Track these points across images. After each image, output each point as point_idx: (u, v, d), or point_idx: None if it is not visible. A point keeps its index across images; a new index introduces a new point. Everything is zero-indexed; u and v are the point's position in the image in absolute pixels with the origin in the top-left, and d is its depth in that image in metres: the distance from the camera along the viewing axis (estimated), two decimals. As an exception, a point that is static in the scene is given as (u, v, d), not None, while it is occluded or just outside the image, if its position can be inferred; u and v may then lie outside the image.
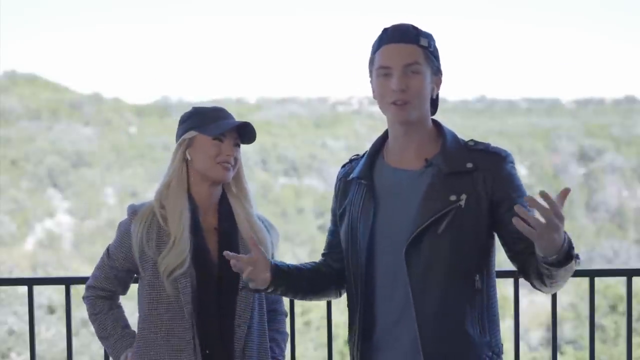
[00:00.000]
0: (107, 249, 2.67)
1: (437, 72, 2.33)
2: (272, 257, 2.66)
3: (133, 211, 2.60)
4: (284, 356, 2.75)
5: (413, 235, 2.24)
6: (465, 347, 2.26)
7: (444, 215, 2.23)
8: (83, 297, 2.72)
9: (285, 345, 2.77)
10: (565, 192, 2.01)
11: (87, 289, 2.71)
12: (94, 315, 2.68)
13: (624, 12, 71.52)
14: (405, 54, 2.27)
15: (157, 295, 2.53)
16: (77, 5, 70.90)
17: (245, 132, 2.61)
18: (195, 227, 2.55)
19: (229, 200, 2.64)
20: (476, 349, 2.26)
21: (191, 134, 2.58)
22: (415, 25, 2.33)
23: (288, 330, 2.86)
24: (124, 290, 2.72)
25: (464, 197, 2.24)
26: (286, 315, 2.83)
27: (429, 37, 2.32)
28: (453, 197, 2.24)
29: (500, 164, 2.29)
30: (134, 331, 2.65)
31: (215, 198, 2.63)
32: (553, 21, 77.85)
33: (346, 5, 75.15)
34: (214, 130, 2.55)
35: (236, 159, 2.60)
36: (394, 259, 2.28)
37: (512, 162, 2.32)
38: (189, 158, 2.59)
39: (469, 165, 2.27)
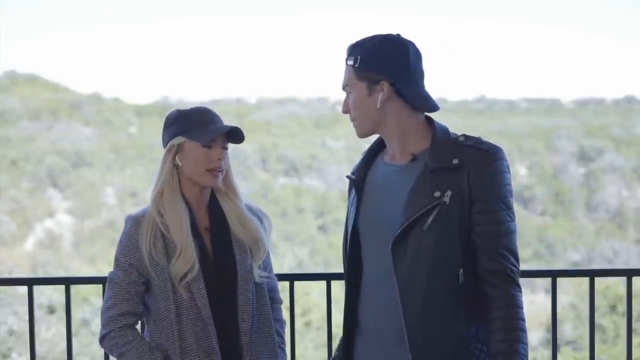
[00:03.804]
0: (115, 272, 2.56)
1: (376, 81, 2.34)
2: (268, 247, 2.69)
3: (136, 222, 2.56)
4: (285, 344, 2.77)
5: (399, 231, 2.27)
6: (453, 340, 2.28)
7: (429, 211, 2.26)
8: (103, 336, 2.54)
9: (284, 332, 2.79)
10: None
11: (108, 323, 2.53)
12: (127, 345, 2.50)
13: (624, 12, 71.52)
14: (344, 76, 2.41)
15: (176, 301, 2.51)
16: (78, 6, 70.89)
17: (234, 134, 2.60)
18: (193, 228, 2.56)
19: (217, 200, 2.64)
20: (464, 342, 2.29)
21: (179, 139, 2.55)
22: (355, 41, 2.39)
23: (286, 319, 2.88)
24: (143, 312, 2.59)
25: (449, 193, 2.26)
26: (281, 303, 2.83)
27: (356, 51, 2.36)
28: (437, 194, 2.26)
29: (486, 160, 2.28)
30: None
31: (206, 198, 2.64)
32: (553, 21, 77.86)
33: (346, 5, 75.16)
34: (204, 137, 2.53)
35: (225, 164, 2.59)
36: (379, 252, 2.33)
37: (502, 159, 2.31)
38: (179, 164, 2.57)
39: (455, 161, 2.28)
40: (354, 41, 2.39)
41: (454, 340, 2.28)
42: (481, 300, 2.29)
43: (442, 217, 2.25)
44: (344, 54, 2.40)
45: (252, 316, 2.58)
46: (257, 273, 2.64)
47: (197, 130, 2.54)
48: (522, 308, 2.29)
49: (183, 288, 2.50)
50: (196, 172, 2.55)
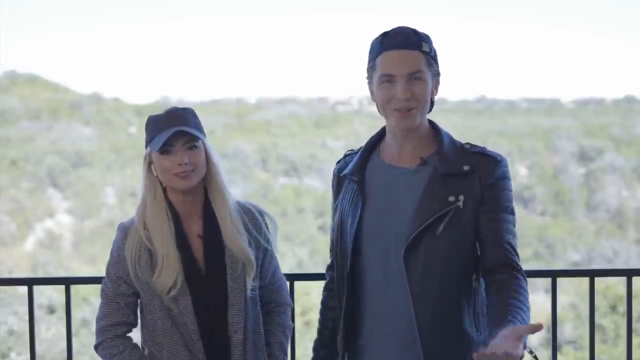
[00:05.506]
0: (105, 282, 2.56)
1: (436, 74, 2.33)
2: (271, 248, 2.63)
3: (124, 234, 2.52)
4: (286, 353, 2.69)
5: (413, 236, 2.24)
6: (464, 346, 2.27)
7: (443, 215, 2.24)
8: (97, 345, 2.56)
9: (286, 339, 2.70)
10: (533, 328, 2.03)
11: (100, 333, 2.55)
12: (117, 355, 2.52)
13: (624, 12, 71.54)
14: (408, 61, 2.26)
15: (162, 316, 2.48)
16: (78, 6, 70.92)
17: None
18: (180, 238, 2.50)
19: (211, 205, 2.56)
20: (474, 348, 2.27)
21: (147, 150, 2.54)
22: (415, 28, 2.32)
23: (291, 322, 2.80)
24: (136, 320, 2.58)
25: (462, 197, 2.25)
26: (290, 307, 2.75)
27: (428, 40, 2.31)
28: (452, 198, 2.25)
29: (494, 167, 2.29)
30: None
31: (198, 203, 2.55)
32: (553, 21, 77.87)
33: (346, 5, 75.14)
34: (156, 145, 2.47)
35: (195, 164, 2.47)
36: (385, 257, 2.30)
37: (506, 167, 2.33)
38: (155, 173, 2.53)
39: (466, 167, 2.28)
40: (410, 28, 2.30)
41: (465, 344, 2.28)
42: (491, 290, 2.24)
43: (455, 222, 2.24)
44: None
45: (245, 328, 2.53)
46: (249, 287, 2.55)
47: (154, 139, 2.50)
48: (528, 292, 2.26)
49: (171, 301, 2.47)
50: (165, 178, 2.50)
